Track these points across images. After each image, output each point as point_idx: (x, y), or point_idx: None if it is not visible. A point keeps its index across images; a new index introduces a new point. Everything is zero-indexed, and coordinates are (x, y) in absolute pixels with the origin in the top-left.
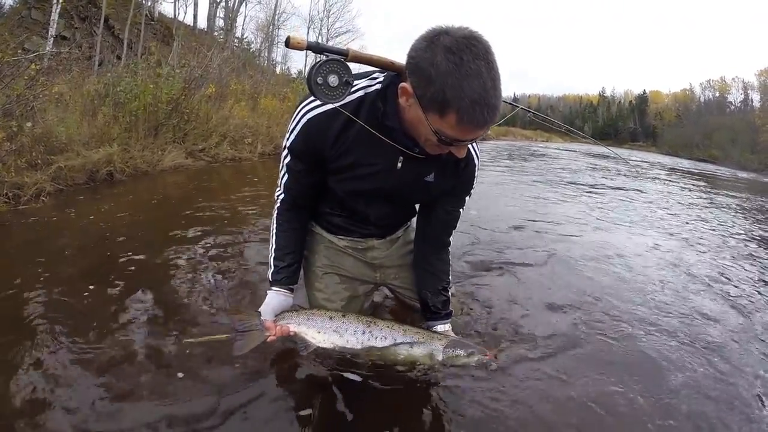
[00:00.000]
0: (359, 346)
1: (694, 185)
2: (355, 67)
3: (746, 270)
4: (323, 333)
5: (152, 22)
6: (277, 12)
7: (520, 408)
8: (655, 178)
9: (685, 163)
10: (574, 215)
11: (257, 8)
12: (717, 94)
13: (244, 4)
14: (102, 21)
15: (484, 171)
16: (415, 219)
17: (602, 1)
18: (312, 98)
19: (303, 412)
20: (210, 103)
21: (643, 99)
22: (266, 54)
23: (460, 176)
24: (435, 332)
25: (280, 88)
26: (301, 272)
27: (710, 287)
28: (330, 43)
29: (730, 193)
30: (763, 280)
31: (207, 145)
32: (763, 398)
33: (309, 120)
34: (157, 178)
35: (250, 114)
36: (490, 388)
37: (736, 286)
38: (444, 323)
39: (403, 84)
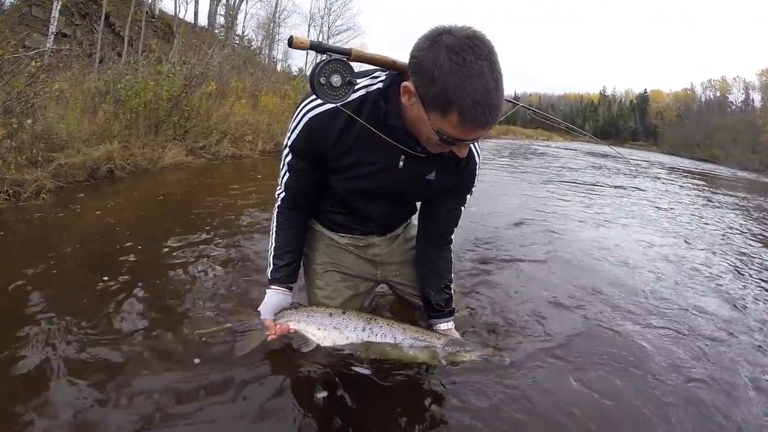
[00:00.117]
0: (359, 343)
1: (693, 184)
2: (356, 65)
3: (742, 265)
4: (323, 330)
5: (153, 20)
6: (278, 9)
7: (522, 403)
8: (656, 177)
9: (685, 163)
10: (574, 212)
11: (258, 5)
12: (718, 94)
13: (244, 1)
14: (103, 18)
15: (485, 169)
16: (415, 216)
17: (603, 0)
18: (313, 97)
19: (302, 410)
20: (211, 101)
21: (644, 98)
22: (267, 51)
23: (461, 174)
24: (435, 331)
25: (280, 86)
26: (301, 270)
27: (707, 282)
28: (331, 41)
29: (730, 193)
30: (759, 276)
31: (207, 143)
32: (755, 384)
33: (310, 119)
34: (158, 175)
35: (251, 111)
36: (490, 385)
37: (731, 282)
38: (447, 321)
39: (405, 83)
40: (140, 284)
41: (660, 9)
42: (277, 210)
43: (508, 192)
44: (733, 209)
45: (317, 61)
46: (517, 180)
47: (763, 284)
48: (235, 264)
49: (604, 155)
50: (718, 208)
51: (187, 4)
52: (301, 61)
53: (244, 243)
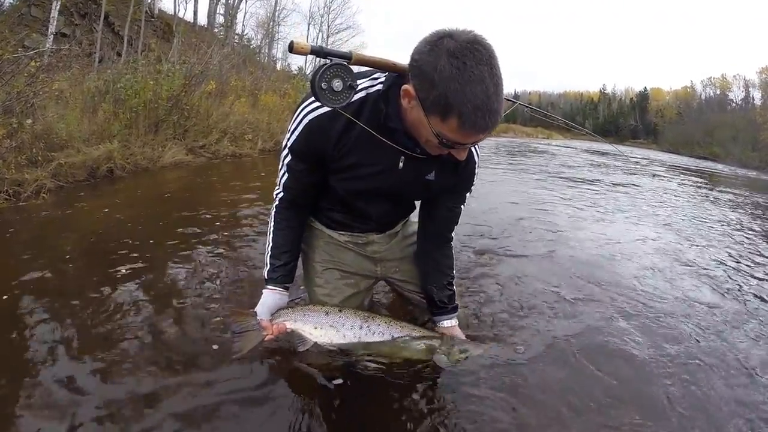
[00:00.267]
0: (356, 341)
1: (692, 182)
2: (355, 66)
3: (740, 260)
4: (320, 328)
5: (152, 19)
6: (278, 8)
7: (523, 397)
8: (654, 174)
9: (685, 161)
10: (574, 209)
11: (257, 5)
12: (718, 92)
13: (244, 0)
14: (102, 18)
15: (485, 167)
16: (414, 213)
17: None
18: (313, 98)
19: (300, 410)
20: (210, 100)
21: (644, 96)
22: (266, 50)
23: (460, 174)
24: (432, 329)
25: (280, 85)
26: (299, 270)
27: (706, 276)
28: (330, 40)
29: (729, 190)
30: (757, 270)
31: (207, 142)
32: (754, 372)
33: (311, 121)
34: (158, 174)
35: (251, 110)
36: (489, 380)
37: (730, 276)
38: (450, 317)
39: (405, 86)
40: (140, 284)
41: (660, 7)
42: (275, 210)
43: (508, 189)
44: (732, 207)
45: (318, 66)
46: (517, 177)
47: (759, 277)
48: (237, 263)
49: (603, 153)
50: (717, 205)
51: (186, 4)
52: (301, 60)
53: (246, 242)
